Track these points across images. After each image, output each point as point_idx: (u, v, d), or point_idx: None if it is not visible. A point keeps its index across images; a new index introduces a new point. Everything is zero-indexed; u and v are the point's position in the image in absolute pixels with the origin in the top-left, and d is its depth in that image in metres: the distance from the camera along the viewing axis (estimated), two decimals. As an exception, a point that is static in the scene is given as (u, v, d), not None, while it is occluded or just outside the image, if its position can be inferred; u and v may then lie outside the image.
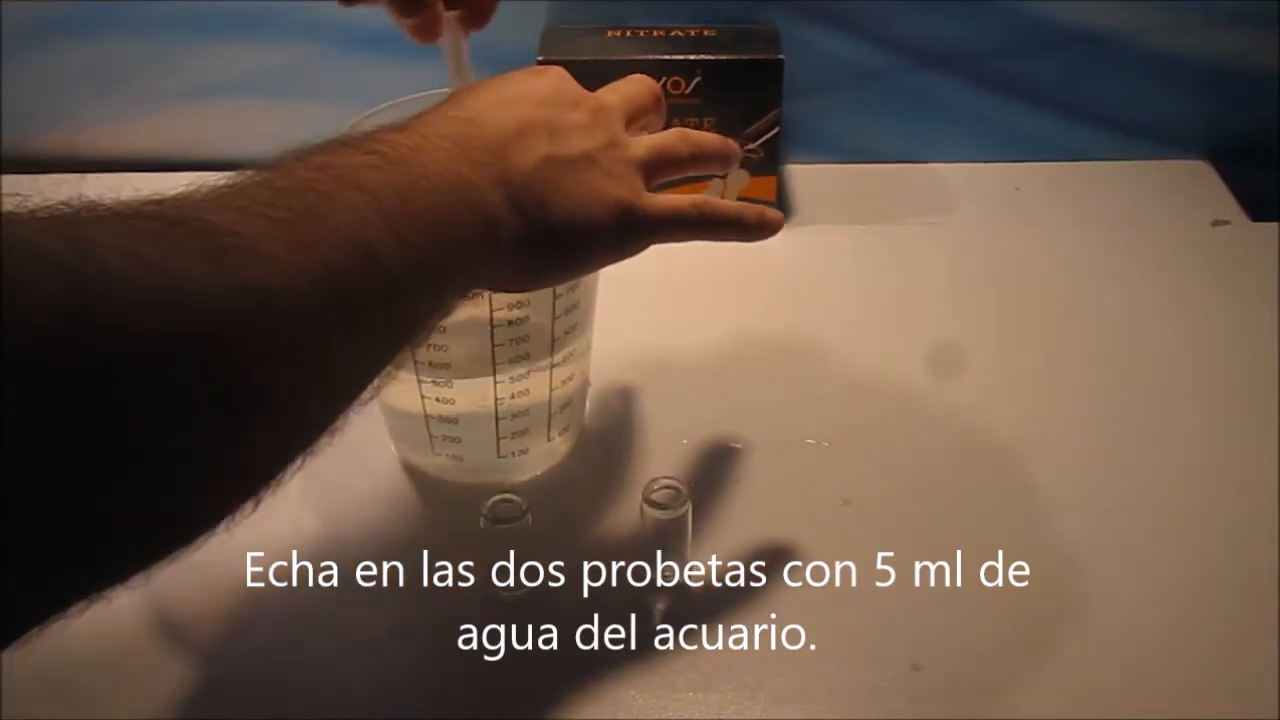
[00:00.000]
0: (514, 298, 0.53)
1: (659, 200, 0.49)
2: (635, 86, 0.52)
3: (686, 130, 0.52)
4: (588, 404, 0.64)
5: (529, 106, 0.46)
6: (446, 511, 0.59)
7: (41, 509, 0.28)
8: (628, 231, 0.48)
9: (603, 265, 0.50)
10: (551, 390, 0.58)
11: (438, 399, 0.56)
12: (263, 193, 0.35)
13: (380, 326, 0.39)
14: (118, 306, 0.29)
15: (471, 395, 0.57)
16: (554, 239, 0.46)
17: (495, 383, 0.56)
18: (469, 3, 0.52)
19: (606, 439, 0.63)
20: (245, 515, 0.35)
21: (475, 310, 0.53)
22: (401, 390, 0.57)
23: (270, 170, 0.37)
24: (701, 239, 0.51)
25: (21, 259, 0.27)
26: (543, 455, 0.61)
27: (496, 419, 0.57)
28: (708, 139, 0.52)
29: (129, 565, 0.32)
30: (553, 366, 0.57)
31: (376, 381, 0.40)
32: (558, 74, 0.49)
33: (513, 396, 0.57)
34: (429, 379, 0.56)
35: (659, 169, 0.50)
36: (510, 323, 0.54)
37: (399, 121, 0.43)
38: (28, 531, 0.27)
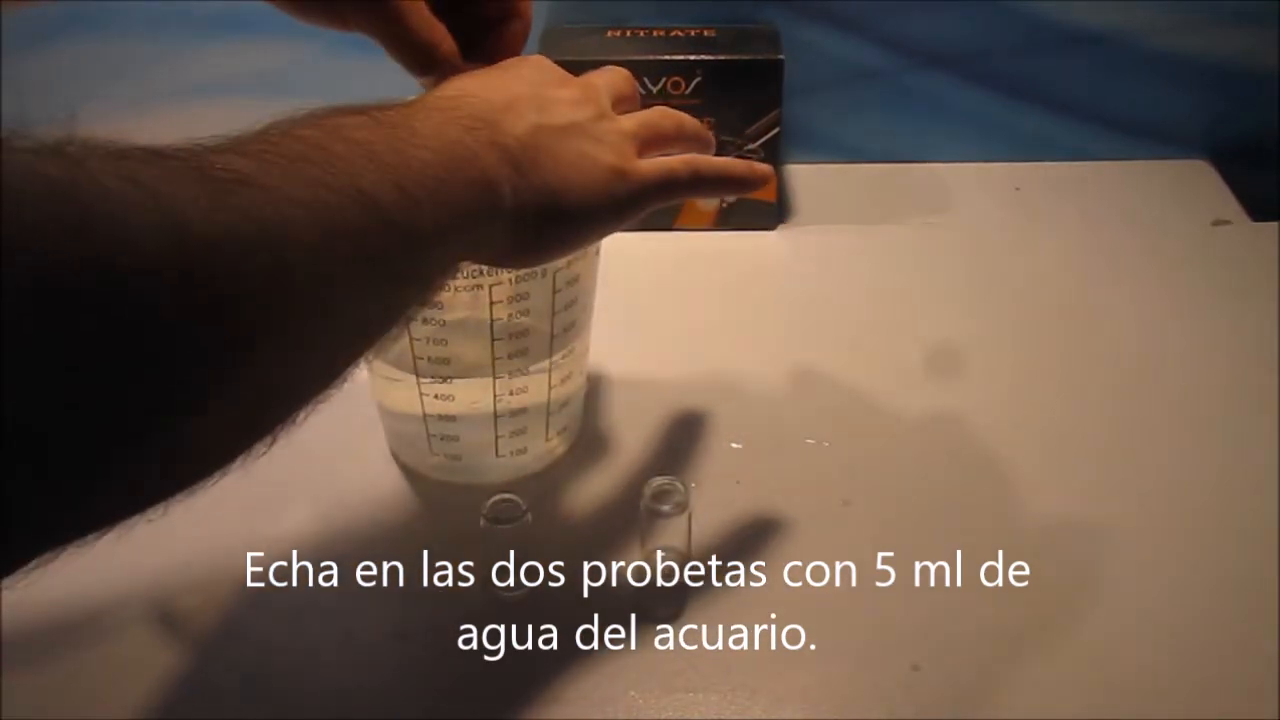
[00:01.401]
0: (513, 292, 0.53)
1: (651, 162, 0.49)
2: (614, 75, 0.52)
3: (667, 108, 0.53)
4: (586, 403, 0.64)
5: (516, 84, 0.47)
6: (446, 512, 0.59)
7: (36, 423, 0.27)
8: (625, 195, 0.48)
9: (603, 234, 0.50)
10: (550, 389, 0.58)
11: (436, 396, 0.56)
12: (257, 145, 0.35)
13: (383, 271, 0.38)
14: (117, 227, 0.28)
15: (470, 394, 0.57)
16: (553, 204, 0.45)
17: (494, 381, 0.56)
18: (485, 50, 0.52)
19: (606, 439, 0.63)
20: (246, 460, 0.34)
21: (474, 309, 0.53)
22: (400, 390, 0.57)
23: (261, 129, 0.37)
24: (696, 196, 0.52)
25: (20, 175, 0.27)
26: (541, 455, 0.61)
27: (495, 418, 0.57)
28: (686, 118, 0.53)
29: (122, 500, 0.31)
30: (551, 365, 0.57)
31: (382, 339, 0.40)
32: (539, 59, 0.50)
33: (511, 394, 0.57)
34: (428, 378, 0.56)
35: (647, 143, 0.50)
36: (509, 319, 0.54)
37: (383, 100, 0.43)
38: (22, 435, 0.27)
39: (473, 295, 0.53)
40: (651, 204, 0.49)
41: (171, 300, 0.29)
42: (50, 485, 0.28)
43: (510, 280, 0.53)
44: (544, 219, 0.45)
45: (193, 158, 0.32)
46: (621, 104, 0.51)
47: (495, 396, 0.57)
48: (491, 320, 0.54)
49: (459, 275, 0.51)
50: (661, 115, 0.52)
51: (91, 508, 0.31)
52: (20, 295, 0.26)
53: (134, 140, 0.32)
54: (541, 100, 0.46)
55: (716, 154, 0.54)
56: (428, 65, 0.50)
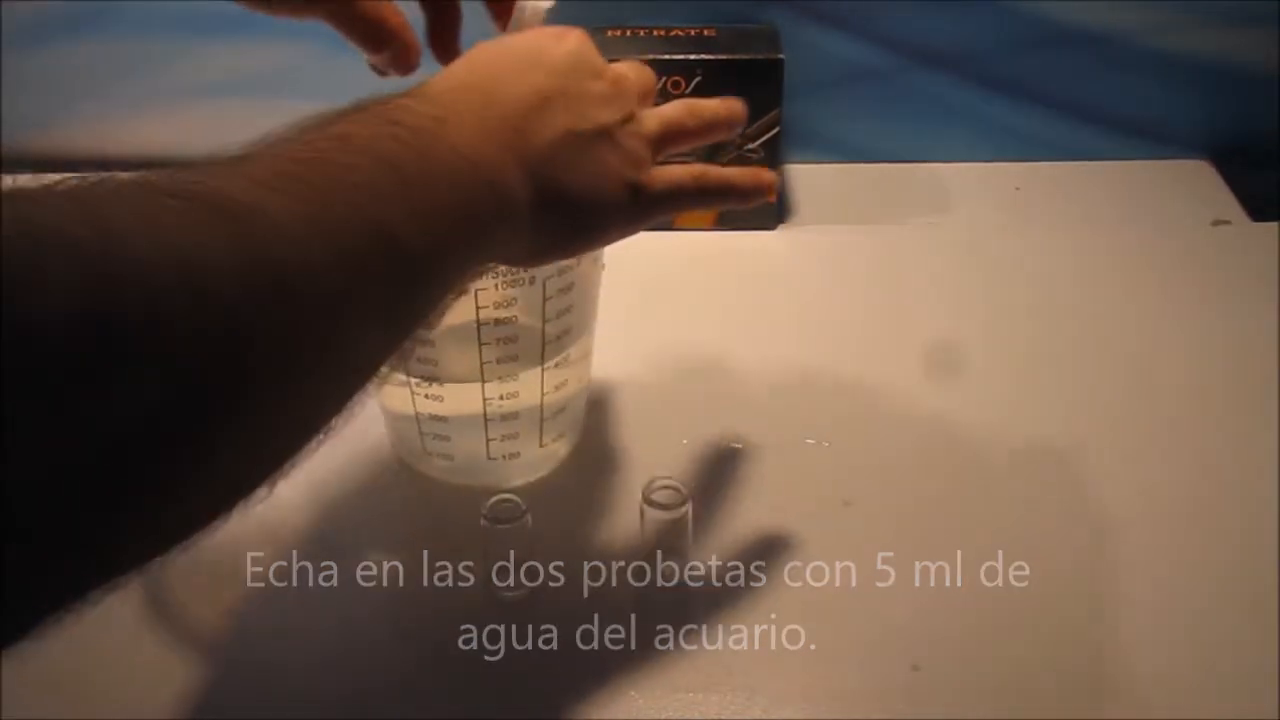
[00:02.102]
0: (500, 298, 0.53)
1: (661, 176, 0.49)
2: (643, 72, 0.51)
3: (691, 101, 0.52)
4: (587, 404, 0.64)
5: (549, 75, 0.45)
6: (446, 512, 0.59)
7: (56, 497, 0.27)
8: (636, 209, 0.48)
9: (610, 241, 0.50)
10: (543, 395, 0.58)
11: (427, 396, 0.56)
12: (283, 164, 0.35)
13: (396, 308, 0.39)
14: (145, 298, 0.28)
15: (460, 396, 0.56)
16: (567, 215, 0.46)
17: (484, 384, 0.56)
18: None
19: (606, 439, 0.63)
20: (260, 499, 0.35)
21: (463, 311, 0.53)
22: (395, 390, 0.57)
23: (290, 139, 0.37)
24: (703, 208, 0.52)
25: (48, 248, 0.27)
26: (539, 459, 0.60)
27: (485, 421, 0.57)
28: (709, 107, 0.52)
29: (144, 550, 0.32)
30: (544, 370, 0.57)
31: (388, 362, 0.40)
32: (579, 39, 0.48)
33: (501, 399, 0.57)
34: (419, 378, 0.56)
35: (668, 141, 0.50)
36: (498, 322, 0.54)
37: (417, 86, 0.43)
38: (35, 512, 0.27)
39: (460, 299, 0.53)
40: (658, 216, 0.49)
41: (187, 364, 0.30)
42: (66, 551, 0.28)
43: (496, 285, 0.52)
44: (554, 226, 0.46)
45: (217, 197, 0.32)
46: (644, 100, 0.51)
47: (485, 400, 0.56)
48: (479, 324, 0.54)
49: None
50: (686, 113, 0.51)
51: (109, 567, 0.31)
52: (36, 370, 0.26)
53: (156, 171, 0.32)
54: (575, 98, 0.46)
55: (716, 154, 0.54)
56: (378, 42, 0.51)
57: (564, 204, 0.45)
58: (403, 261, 0.38)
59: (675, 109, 0.51)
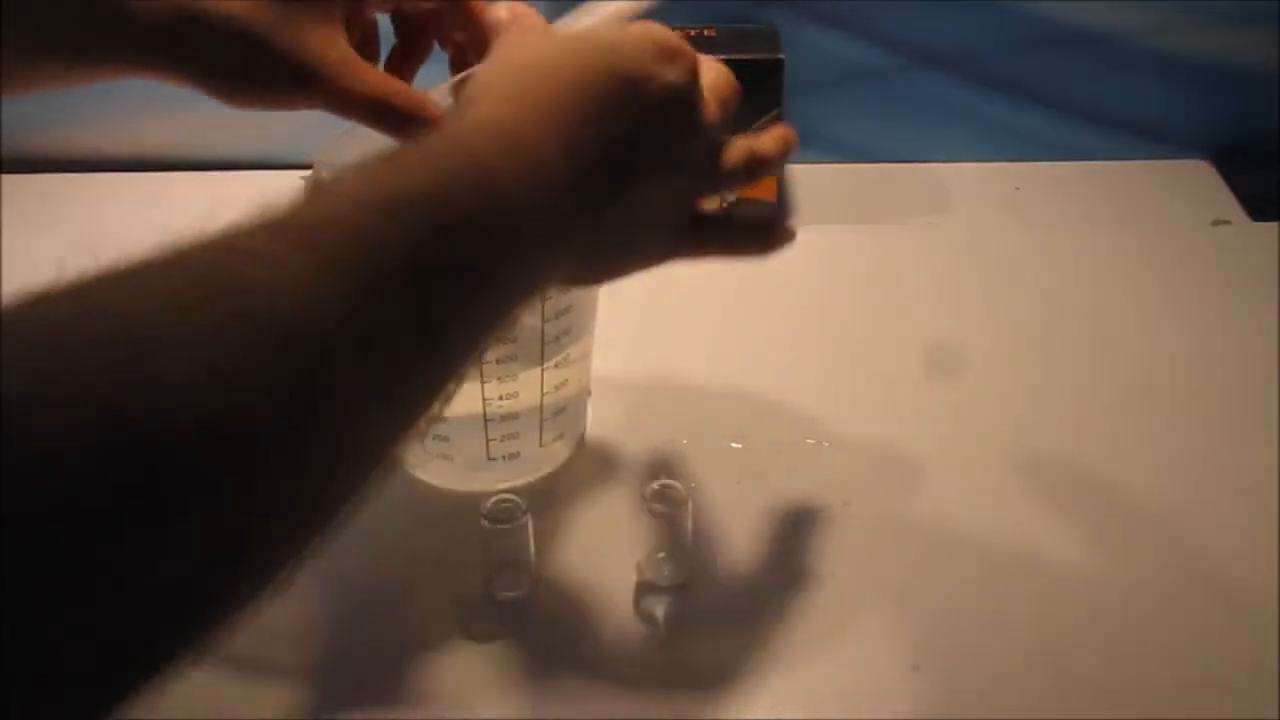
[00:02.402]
0: None
1: (695, 236, 0.50)
2: (730, 84, 0.48)
3: (780, 133, 0.51)
4: (587, 404, 0.64)
5: (644, 122, 0.42)
6: (447, 512, 0.59)
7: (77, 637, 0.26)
8: (667, 261, 0.49)
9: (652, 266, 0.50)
10: (543, 395, 0.58)
11: None
12: (331, 251, 0.32)
13: (421, 393, 0.37)
14: (173, 434, 0.27)
15: (459, 396, 0.56)
16: (608, 268, 0.47)
17: (483, 384, 0.56)
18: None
19: (606, 439, 0.63)
20: (285, 587, 0.32)
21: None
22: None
23: (347, 210, 0.34)
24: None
25: (66, 394, 0.25)
26: (539, 459, 0.60)
27: (485, 421, 0.57)
28: (782, 138, 0.51)
29: (168, 667, 0.29)
30: (544, 370, 0.57)
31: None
32: (685, 82, 0.43)
33: (501, 399, 0.57)
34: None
35: (739, 179, 0.49)
36: None
37: (475, 104, 0.40)
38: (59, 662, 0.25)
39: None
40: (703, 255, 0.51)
41: (206, 480, 0.28)
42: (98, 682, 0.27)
43: None
44: (594, 275, 0.47)
45: (237, 281, 0.30)
46: (725, 110, 0.48)
47: (485, 400, 0.56)
48: None
49: None
50: (775, 145, 0.50)
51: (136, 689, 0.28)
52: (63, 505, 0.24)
53: (172, 249, 0.30)
54: (670, 160, 0.44)
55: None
56: (391, 122, 0.47)
57: (611, 262, 0.46)
58: (453, 366, 0.37)
59: (767, 143, 0.49)
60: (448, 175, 0.36)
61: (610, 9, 0.49)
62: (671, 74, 0.43)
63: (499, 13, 0.47)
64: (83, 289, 0.27)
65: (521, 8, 0.48)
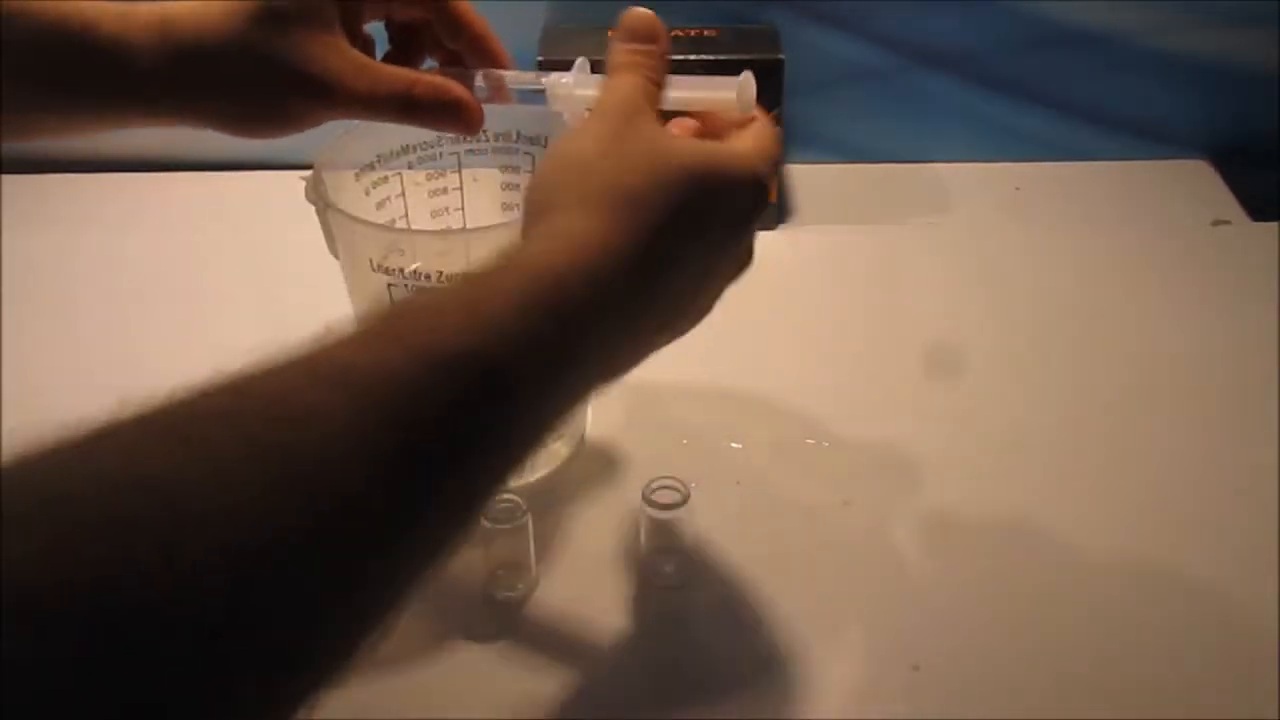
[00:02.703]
0: None
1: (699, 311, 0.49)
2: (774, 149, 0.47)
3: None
4: (587, 403, 0.64)
5: (709, 247, 0.43)
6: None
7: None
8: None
9: None
10: None
11: None
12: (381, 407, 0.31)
13: (470, 525, 0.37)
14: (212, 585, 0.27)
15: None
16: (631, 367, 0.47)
17: None
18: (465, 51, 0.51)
19: (606, 439, 0.63)
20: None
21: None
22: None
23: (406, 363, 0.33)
24: None
25: (116, 539, 0.26)
26: (539, 459, 0.60)
27: None
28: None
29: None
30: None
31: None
32: (757, 194, 0.44)
33: None
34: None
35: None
36: None
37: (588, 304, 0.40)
38: None
39: None
40: None
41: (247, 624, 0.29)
42: None
43: None
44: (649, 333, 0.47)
45: (278, 433, 0.29)
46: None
47: None
48: None
49: (442, 279, 0.51)
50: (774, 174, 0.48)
51: None
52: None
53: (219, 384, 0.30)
54: (714, 285, 0.45)
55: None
56: (418, 114, 0.48)
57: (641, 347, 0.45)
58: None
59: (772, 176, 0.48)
60: (535, 315, 0.37)
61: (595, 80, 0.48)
62: (745, 200, 0.44)
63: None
64: (124, 449, 0.27)
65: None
